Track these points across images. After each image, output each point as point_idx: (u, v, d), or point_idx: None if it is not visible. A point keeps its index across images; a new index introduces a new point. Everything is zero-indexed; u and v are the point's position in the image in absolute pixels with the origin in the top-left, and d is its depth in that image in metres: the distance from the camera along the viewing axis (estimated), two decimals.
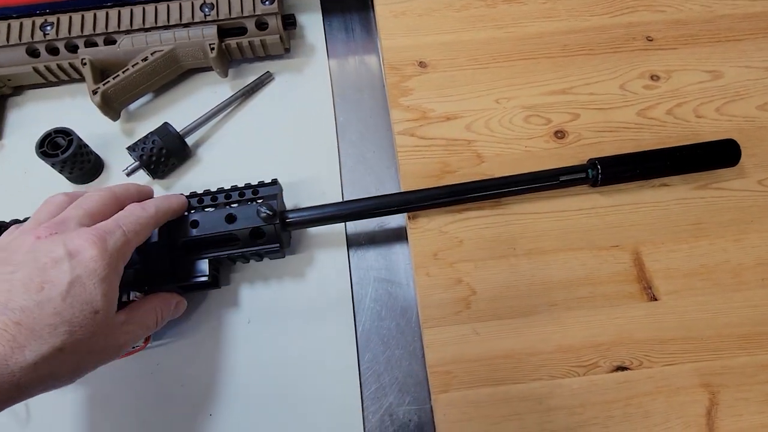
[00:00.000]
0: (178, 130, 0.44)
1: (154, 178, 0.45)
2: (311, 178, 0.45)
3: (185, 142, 0.44)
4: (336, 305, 0.40)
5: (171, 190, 0.45)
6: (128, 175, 0.43)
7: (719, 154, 0.41)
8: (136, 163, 0.43)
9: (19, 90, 0.48)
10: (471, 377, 0.36)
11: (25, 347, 0.26)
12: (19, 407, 0.37)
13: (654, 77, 0.46)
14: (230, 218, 0.37)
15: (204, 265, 0.37)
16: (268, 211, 0.36)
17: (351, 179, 0.45)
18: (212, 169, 0.46)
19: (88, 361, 0.30)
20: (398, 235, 0.43)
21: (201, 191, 0.39)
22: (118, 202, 0.34)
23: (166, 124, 0.44)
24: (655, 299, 0.38)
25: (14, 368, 0.26)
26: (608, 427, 0.35)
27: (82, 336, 0.28)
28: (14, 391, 0.27)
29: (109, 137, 0.46)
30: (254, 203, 0.38)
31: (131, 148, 0.43)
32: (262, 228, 0.37)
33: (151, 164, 0.43)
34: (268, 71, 0.49)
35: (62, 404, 0.37)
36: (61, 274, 0.28)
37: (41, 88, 0.48)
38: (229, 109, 0.48)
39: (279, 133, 0.47)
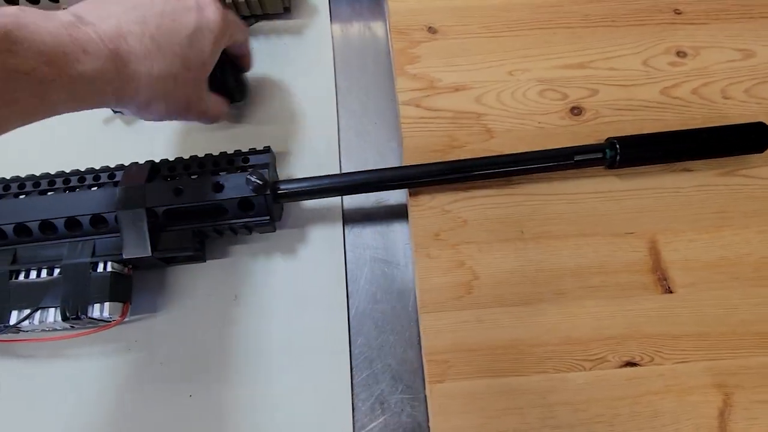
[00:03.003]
0: None
1: (115, 112, 0.43)
2: (307, 149, 0.42)
3: None
4: (328, 285, 0.38)
5: (134, 133, 0.43)
6: None
7: (747, 138, 0.38)
8: None
9: None
10: (470, 367, 0.33)
11: (154, 60, 0.30)
12: None
13: (680, 53, 0.42)
14: (217, 187, 0.34)
15: (187, 237, 0.35)
16: (258, 181, 0.34)
17: (350, 152, 0.42)
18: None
19: (180, 106, 0.34)
20: (397, 213, 0.40)
21: (187, 157, 0.37)
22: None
23: None
24: (670, 291, 0.35)
25: (142, 71, 0.30)
26: (614, 425, 0.32)
27: (190, 77, 0.32)
28: (131, 90, 0.30)
29: None
30: (244, 172, 0.35)
31: None
32: (251, 199, 0.34)
33: None
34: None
35: (30, 378, 0.35)
36: (189, 19, 0.32)
37: None
38: None
39: (274, 98, 0.44)
